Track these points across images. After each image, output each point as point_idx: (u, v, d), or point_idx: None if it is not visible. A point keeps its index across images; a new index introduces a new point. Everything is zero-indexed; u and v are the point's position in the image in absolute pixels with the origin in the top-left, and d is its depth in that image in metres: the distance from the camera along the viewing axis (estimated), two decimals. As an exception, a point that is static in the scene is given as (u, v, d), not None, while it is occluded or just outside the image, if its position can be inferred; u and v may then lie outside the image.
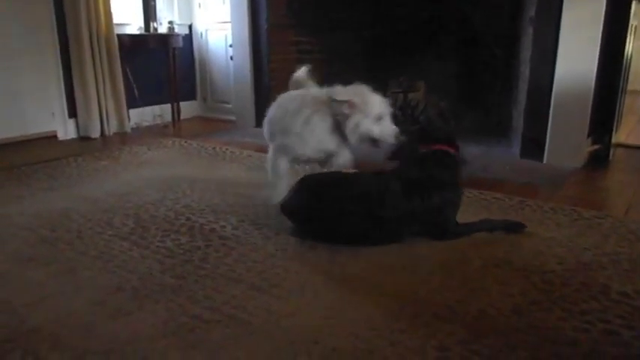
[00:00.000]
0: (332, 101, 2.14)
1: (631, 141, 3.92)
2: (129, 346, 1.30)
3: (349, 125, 2.13)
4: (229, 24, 4.39)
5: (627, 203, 2.47)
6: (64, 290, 1.60)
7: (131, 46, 4.28)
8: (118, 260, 1.80)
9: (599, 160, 3.14)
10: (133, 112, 4.41)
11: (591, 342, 1.32)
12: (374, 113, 2.12)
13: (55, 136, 3.96)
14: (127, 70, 4.29)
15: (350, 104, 2.10)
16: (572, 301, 1.51)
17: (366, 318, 1.43)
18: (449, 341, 1.32)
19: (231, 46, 4.50)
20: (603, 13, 2.83)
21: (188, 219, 2.21)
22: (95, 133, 4.02)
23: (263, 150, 3.48)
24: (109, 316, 1.45)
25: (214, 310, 1.47)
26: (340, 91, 2.15)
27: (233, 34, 4.37)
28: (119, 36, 4.12)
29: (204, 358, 1.26)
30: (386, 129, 2.16)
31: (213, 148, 3.58)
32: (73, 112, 4.00)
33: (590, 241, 1.96)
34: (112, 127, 4.15)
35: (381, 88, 4.55)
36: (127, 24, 4.39)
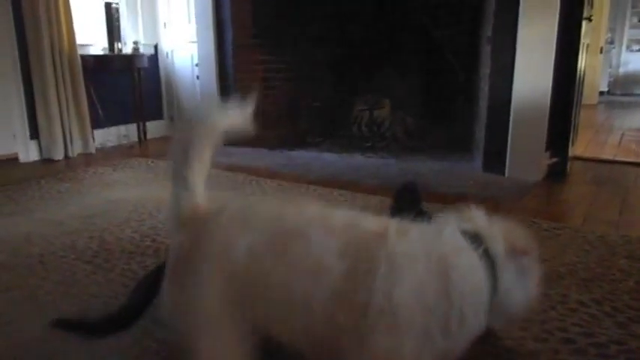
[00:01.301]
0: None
1: (588, 154, 4.07)
2: (92, 373, 1.28)
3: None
4: (195, 43, 4.40)
5: (584, 214, 2.57)
6: (25, 317, 1.57)
7: (95, 66, 4.24)
8: (81, 285, 1.77)
9: (557, 173, 3.24)
10: (97, 132, 4.35)
11: (551, 351, 1.36)
12: None
13: (17, 159, 3.87)
14: (92, 90, 4.24)
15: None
16: (533, 312, 1.56)
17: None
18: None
19: (197, 65, 4.51)
20: (556, 31, 2.97)
21: (154, 240, 2.19)
22: (58, 155, 3.94)
23: (231, 169, 3.50)
24: (71, 342, 1.42)
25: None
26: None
27: (199, 53, 4.38)
28: (82, 56, 4.08)
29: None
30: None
31: (180, 167, 3.55)
32: (35, 134, 3.93)
33: (549, 252, 2.02)
34: (76, 149, 4.08)
35: (347, 105, 4.61)
36: (91, 44, 4.35)
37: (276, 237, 0.95)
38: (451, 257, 0.88)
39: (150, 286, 1.46)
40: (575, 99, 3.27)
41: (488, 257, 0.91)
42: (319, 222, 0.96)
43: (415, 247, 0.89)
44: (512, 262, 0.93)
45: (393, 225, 0.93)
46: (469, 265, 0.89)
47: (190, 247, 0.99)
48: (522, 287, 0.95)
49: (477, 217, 0.96)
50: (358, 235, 0.92)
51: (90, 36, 4.37)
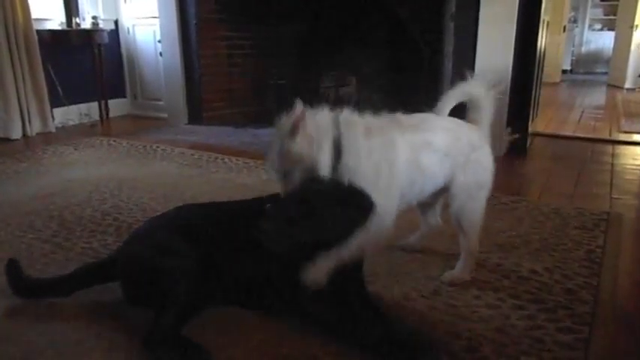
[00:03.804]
0: None
1: (549, 130, 4.17)
2: (49, 351, 1.27)
3: None
4: (157, 19, 4.29)
5: (541, 188, 2.65)
6: (-21, 298, 1.54)
7: (52, 42, 4.10)
8: (40, 264, 1.74)
9: (518, 149, 3.32)
10: (57, 111, 4.23)
11: (502, 317, 1.42)
12: None
13: (-29, 138, 3.74)
14: (49, 67, 4.11)
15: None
16: (487, 281, 1.62)
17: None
18: (372, 325, 1.37)
19: (160, 41, 4.40)
20: (517, 8, 3.00)
21: (115, 219, 2.16)
22: (16, 134, 3.82)
23: (196, 147, 3.46)
24: (29, 323, 1.41)
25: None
26: None
27: (161, 29, 4.28)
28: (39, 32, 3.94)
29: (127, 359, 1.25)
30: None
31: (144, 146, 3.50)
32: (-10, 112, 3.79)
33: (505, 224, 2.08)
34: (35, 128, 3.97)
35: (313, 83, 4.57)
36: (47, 19, 4.20)
37: None
38: None
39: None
40: (535, 76, 3.33)
41: None
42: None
43: None
44: None
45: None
46: None
47: None
48: None
49: None
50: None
51: (46, 10, 4.21)
